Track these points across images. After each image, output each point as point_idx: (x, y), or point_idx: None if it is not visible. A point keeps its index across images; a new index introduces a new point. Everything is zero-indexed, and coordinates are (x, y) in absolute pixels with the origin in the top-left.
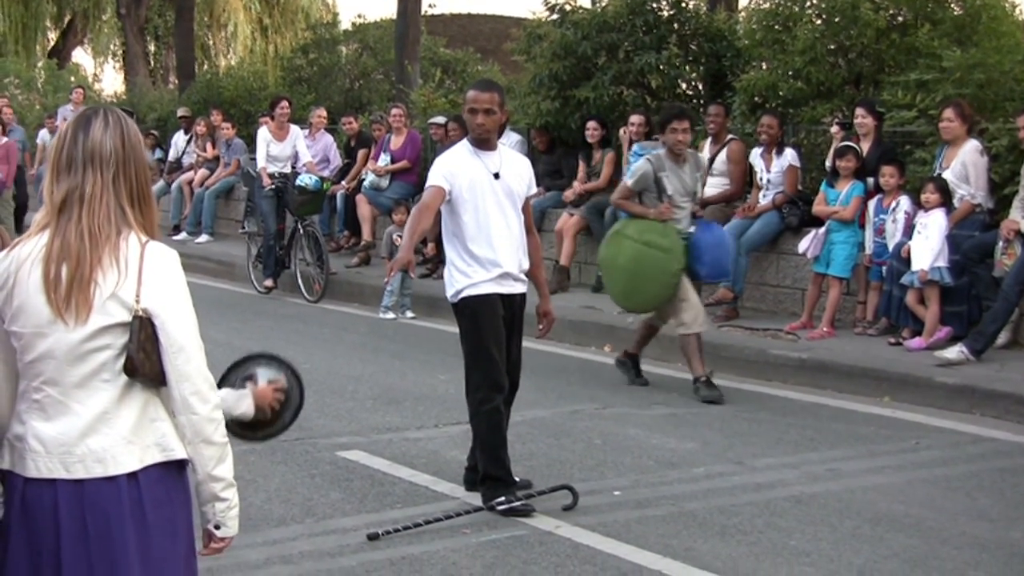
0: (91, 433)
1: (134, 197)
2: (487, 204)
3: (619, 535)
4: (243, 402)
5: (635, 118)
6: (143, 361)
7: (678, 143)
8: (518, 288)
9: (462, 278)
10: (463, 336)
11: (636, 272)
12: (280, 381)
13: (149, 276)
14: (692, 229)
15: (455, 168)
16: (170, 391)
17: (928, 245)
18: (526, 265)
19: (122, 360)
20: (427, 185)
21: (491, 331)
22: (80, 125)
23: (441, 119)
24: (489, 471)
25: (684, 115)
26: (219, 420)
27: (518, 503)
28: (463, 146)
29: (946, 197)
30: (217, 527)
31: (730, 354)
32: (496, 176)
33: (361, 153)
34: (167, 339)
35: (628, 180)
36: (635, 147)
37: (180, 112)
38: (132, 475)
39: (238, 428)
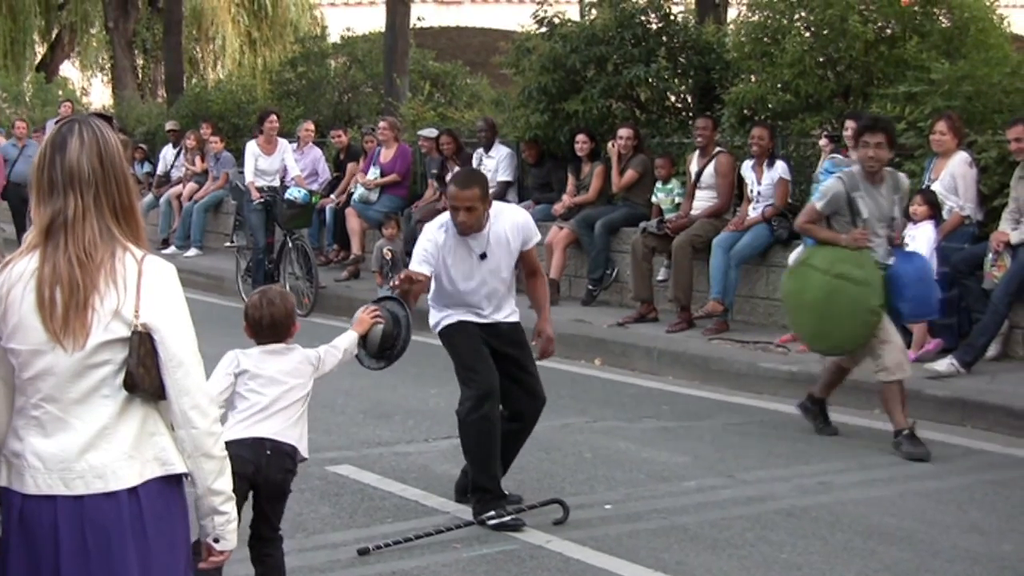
0: (91, 449)
1: (118, 213)
2: (470, 283)
3: (610, 549)
4: (347, 338)
5: (623, 131)
6: (143, 376)
7: (869, 160)
8: (498, 317)
9: (439, 314)
10: (451, 358)
11: (827, 310)
12: (370, 306)
13: (147, 291)
14: (891, 260)
15: (439, 251)
16: (170, 405)
17: None
18: (507, 311)
19: (122, 375)
20: (410, 268)
21: (467, 347)
22: (57, 146)
23: (431, 132)
24: (477, 482)
25: (878, 127)
26: (218, 433)
27: (508, 518)
28: (451, 227)
29: (935, 210)
30: (216, 540)
31: (720, 367)
32: (483, 256)
33: (350, 166)
34: (166, 354)
35: (817, 202)
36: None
37: (168, 126)
38: (132, 490)
39: (372, 361)
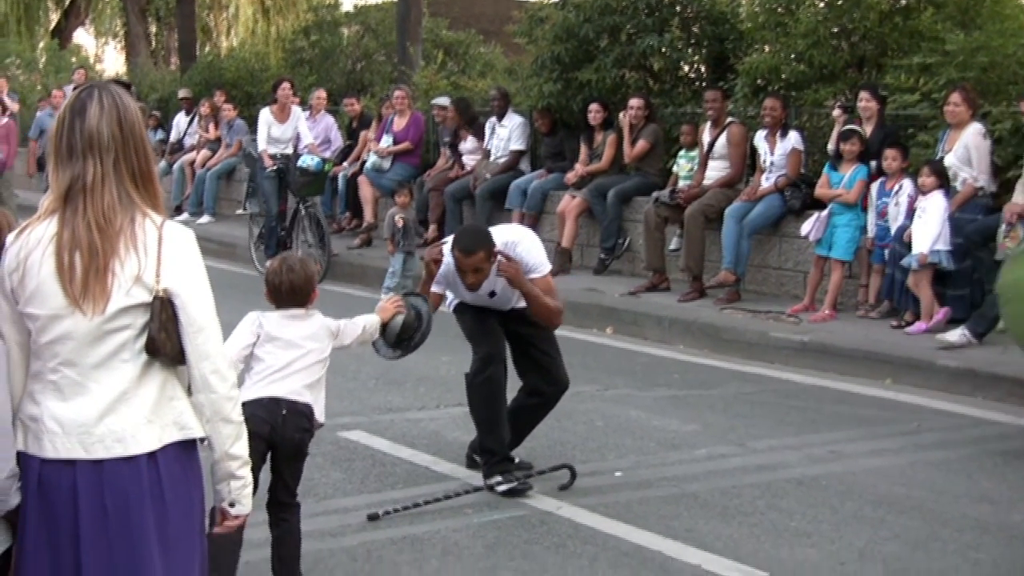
0: (110, 413)
1: (137, 179)
2: (481, 301)
3: (620, 516)
4: (369, 318)
5: (634, 102)
6: (164, 341)
7: None
8: (516, 306)
9: (452, 296)
10: (462, 331)
11: None
12: (395, 296)
13: (168, 256)
14: None
15: (449, 272)
16: (189, 370)
17: (927, 229)
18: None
19: (142, 340)
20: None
21: (474, 319)
22: (76, 111)
23: (445, 101)
24: (484, 444)
25: None
26: (236, 398)
27: (516, 483)
28: None
29: (944, 180)
30: (232, 504)
31: (732, 336)
32: (492, 295)
33: (363, 134)
34: (187, 319)
35: None
36: None
37: (181, 93)
38: (151, 455)
39: (387, 350)
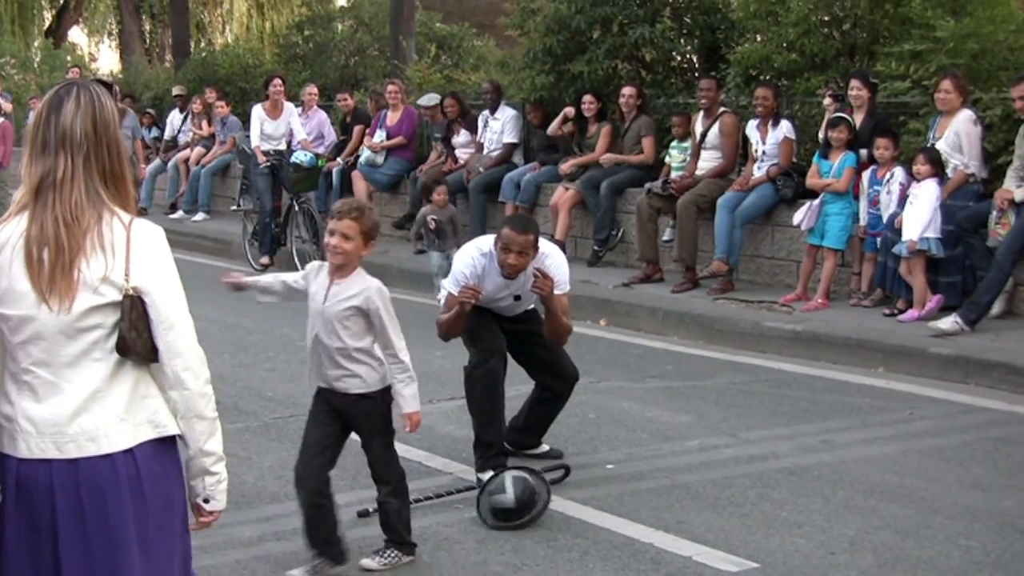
0: (83, 412)
1: (107, 179)
2: (496, 304)
3: (611, 508)
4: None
5: (627, 90)
6: (135, 339)
7: None
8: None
9: (443, 292)
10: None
11: None
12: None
13: (137, 254)
14: None
15: (475, 278)
16: (162, 367)
17: (918, 215)
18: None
19: (113, 338)
20: (449, 291)
21: (472, 318)
22: (53, 107)
23: (430, 100)
24: (481, 437)
25: None
26: (210, 395)
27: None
28: (493, 264)
29: (938, 168)
30: (206, 500)
31: (725, 327)
32: (517, 298)
33: (357, 129)
34: (158, 316)
35: None
36: None
37: (175, 90)
38: (128, 451)
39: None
